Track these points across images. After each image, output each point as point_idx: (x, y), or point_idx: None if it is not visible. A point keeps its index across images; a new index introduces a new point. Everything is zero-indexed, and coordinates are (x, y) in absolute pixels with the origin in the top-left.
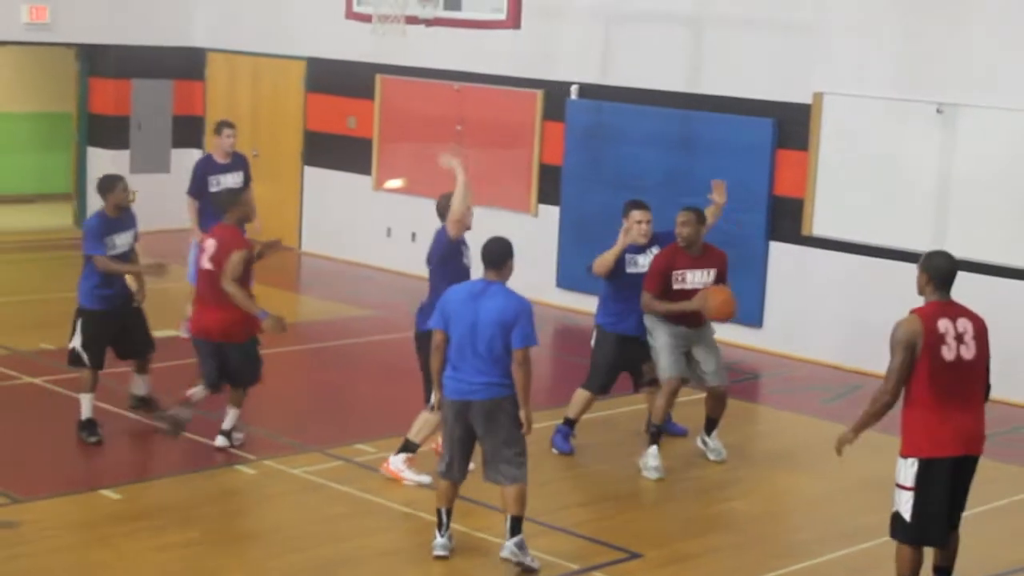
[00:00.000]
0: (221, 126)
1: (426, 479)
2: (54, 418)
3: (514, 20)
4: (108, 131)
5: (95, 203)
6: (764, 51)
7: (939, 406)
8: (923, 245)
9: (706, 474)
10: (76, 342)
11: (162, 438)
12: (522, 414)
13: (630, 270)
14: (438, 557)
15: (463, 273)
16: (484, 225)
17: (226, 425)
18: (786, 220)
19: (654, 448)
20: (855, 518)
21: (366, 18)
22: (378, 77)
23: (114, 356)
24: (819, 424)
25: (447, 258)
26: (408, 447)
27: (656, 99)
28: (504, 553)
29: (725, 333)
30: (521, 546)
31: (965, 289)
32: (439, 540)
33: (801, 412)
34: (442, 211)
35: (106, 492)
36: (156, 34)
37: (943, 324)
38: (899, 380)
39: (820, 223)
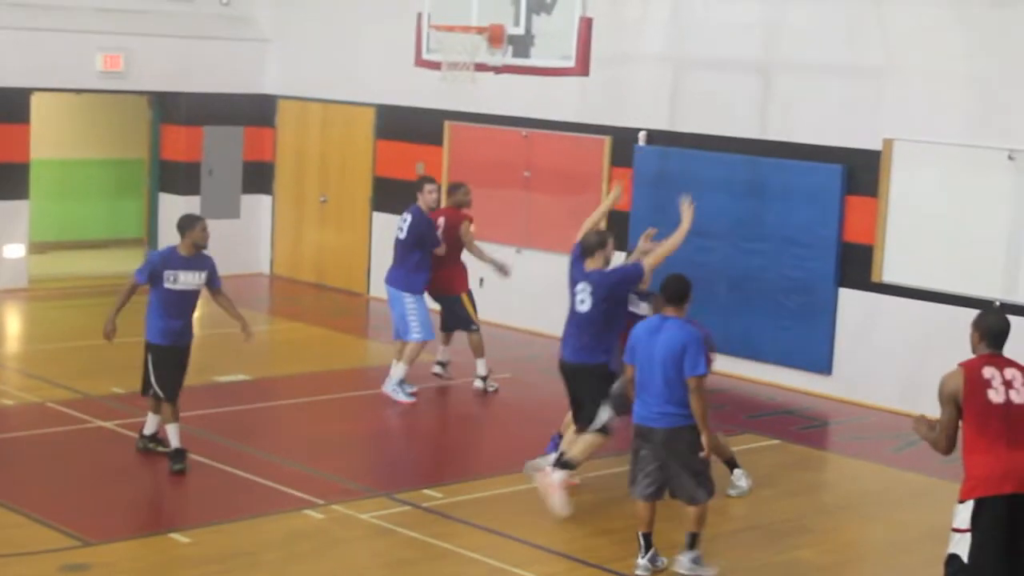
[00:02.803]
0: (423, 182)
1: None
2: (125, 462)
3: (583, 67)
4: (180, 177)
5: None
6: (834, 97)
7: (991, 448)
8: (994, 293)
9: (775, 522)
10: (152, 379)
11: (231, 481)
12: (703, 439)
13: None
14: None
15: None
16: (551, 270)
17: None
18: (856, 267)
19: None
20: (925, 568)
21: (435, 65)
22: (446, 124)
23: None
24: (889, 472)
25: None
26: (566, 464)
27: (724, 145)
28: (681, 568)
29: (795, 379)
30: (697, 561)
31: None
32: (640, 561)
33: (871, 460)
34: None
35: (176, 535)
36: (227, 82)
37: (988, 371)
38: (948, 435)
39: (890, 270)
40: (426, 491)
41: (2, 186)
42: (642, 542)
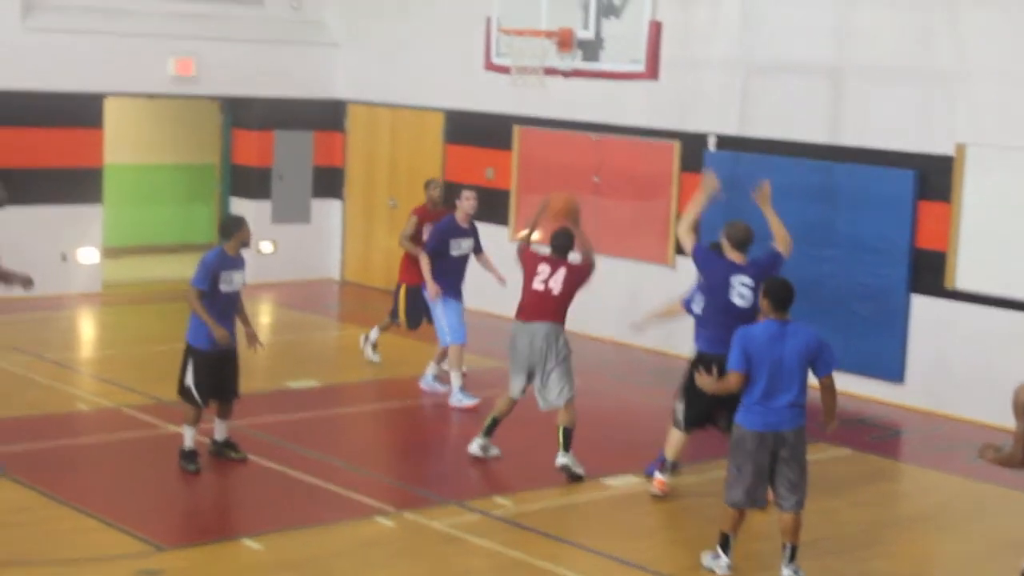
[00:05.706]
0: (461, 189)
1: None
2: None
3: (652, 71)
4: (250, 182)
5: None
6: (905, 101)
7: None
8: None
9: (848, 533)
10: (188, 379)
11: (302, 487)
12: (831, 426)
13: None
14: None
15: None
16: (620, 276)
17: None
18: (928, 273)
19: None
20: None
21: (504, 70)
22: (516, 128)
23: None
24: (964, 483)
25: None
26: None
27: (795, 150)
28: None
29: (867, 388)
30: (798, 572)
31: None
32: (723, 560)
33: (945, 470)
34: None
35: (248, 542)
36: (298, 87)
37: None
38: (1023, 447)
39: (963, 276)
40: (497, 499)
41: (76, 190)
42: (730, 542)
